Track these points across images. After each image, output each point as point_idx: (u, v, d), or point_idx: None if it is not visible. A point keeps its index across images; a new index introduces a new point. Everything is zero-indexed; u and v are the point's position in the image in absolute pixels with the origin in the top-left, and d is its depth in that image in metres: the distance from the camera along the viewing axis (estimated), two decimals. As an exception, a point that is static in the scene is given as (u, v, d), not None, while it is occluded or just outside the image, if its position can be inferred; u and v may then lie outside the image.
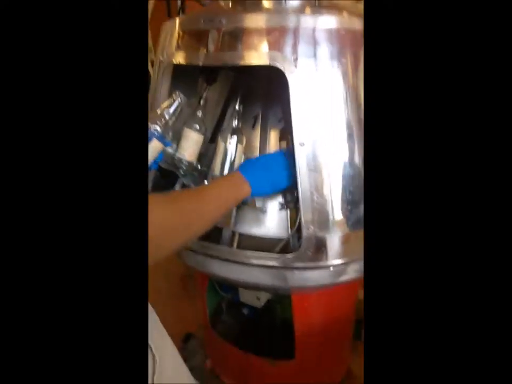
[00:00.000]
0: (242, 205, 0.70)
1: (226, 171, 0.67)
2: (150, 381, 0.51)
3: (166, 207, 0.45)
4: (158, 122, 0.63)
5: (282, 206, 0.68)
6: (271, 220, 0.70)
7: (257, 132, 0.73)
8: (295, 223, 0.66)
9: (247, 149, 0.71)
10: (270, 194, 0.62)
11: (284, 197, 0.68)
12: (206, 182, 0.72)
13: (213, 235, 0.73)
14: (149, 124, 0.62)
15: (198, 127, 0.68)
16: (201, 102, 0.71)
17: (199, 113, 0.70)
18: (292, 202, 0.67)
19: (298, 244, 0.63)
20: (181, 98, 0.65)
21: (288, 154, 0.61)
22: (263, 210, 0.69)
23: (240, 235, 0.72)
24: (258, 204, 0.69)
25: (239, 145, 0.68)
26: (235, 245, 0.71)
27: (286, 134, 0.70)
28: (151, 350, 0.53)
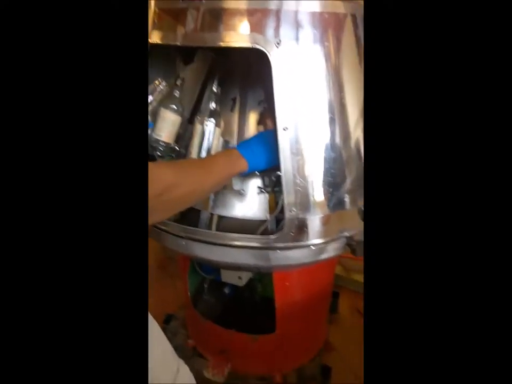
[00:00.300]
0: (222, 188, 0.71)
1: (203, 154, 0.67)
2: None
3: (176, 170, 0.50)
4: None
5: (261, 190, 0.70)
6: (249, 202, 0.71)
7: (236, 115, 0.73)
8: (273, 206, 0.68)
9: (225, 131, 0.71)
10: (266, 169, 0.65)
11: (262, 181, 0.70)
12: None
13: (191, 217, 0.73)
14: None
15: (175, 107, 0.67)
16: (178, 81, 0.70)
17: (176, 93, 0.69)
18: (269, 187, 0.69)
19: (281, 225, 0.65)
20: (163, 85, 0.64)
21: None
22: (241, 193, 0.70)
23: (218, 217, 0.73)
24: (236, 186, 0.70)
25: (216, 128, 0.68)
26: (214, 227, 0.73)
27: (265, 118, 0.71)
28: None
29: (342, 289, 1.24)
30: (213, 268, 0.97)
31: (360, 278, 1.28)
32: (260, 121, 0.71)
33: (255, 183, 0.70)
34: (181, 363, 0.65)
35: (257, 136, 0.65)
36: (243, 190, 0.70)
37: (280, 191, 0.65)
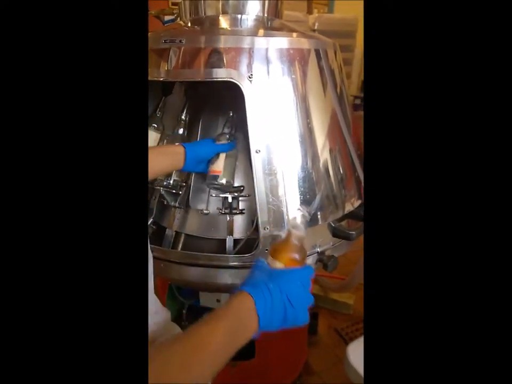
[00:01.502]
0: (186, 207, 0.77)
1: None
2: None
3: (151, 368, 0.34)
4: None
5: (220, 212, 0.73)
6: (213, 222, 0.75)
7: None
8: (231, 227, 0.73)
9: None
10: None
11: (222, 203, 0.74)
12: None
13: (154, 236, 0.78)
14: None
15: (155, 126, 0.78)
16: (160, 104, 0.80)
17: (158, 114, 0.79)
18: (229, 208, 0.72)
19: (256, 243, 0.68)
20: None
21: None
22: (204, 213, 0.75)
23: (188, 237, 0.76)
24: (200, 206, 0.75)
25: None
26: (180, 246, 0.77)
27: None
28: None
29: (320, 309, 1.26)
30: (192, 293, 0.98)
31: (338, 297, 1.31)
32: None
33: (216, 204, 0.75)
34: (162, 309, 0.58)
35: (287, 284, 0.44)
36: (207, 210, 0.75)
37: (239, 213, 0.72)
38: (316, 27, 3.10)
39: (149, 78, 0.67)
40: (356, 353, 0.74)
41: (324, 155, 0.68)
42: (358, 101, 3.71)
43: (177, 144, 0.70)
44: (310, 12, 3.44)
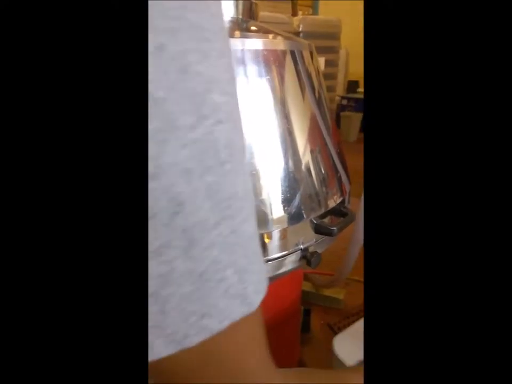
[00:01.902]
0: None
1: None
2: None
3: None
4: None
5: None
6: None
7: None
8: None
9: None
10: None
11: None
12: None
13: None
14: None
15: None
16: None
17: None
18: None
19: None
20: None
21: None
22: None
23: None
24: None
25: None
26: None
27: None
28: None
29: (313, 306, 1.27)
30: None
31: (330, 293, 1.31)
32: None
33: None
34: None
35: None
36: None
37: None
38: (300, 29, 3.13)
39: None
40: (341, 344, 0.75)
41: (305, 156, 0.70)
42: (344, 101, 3.74)
43: None
44: (294, 13, 3.48)
